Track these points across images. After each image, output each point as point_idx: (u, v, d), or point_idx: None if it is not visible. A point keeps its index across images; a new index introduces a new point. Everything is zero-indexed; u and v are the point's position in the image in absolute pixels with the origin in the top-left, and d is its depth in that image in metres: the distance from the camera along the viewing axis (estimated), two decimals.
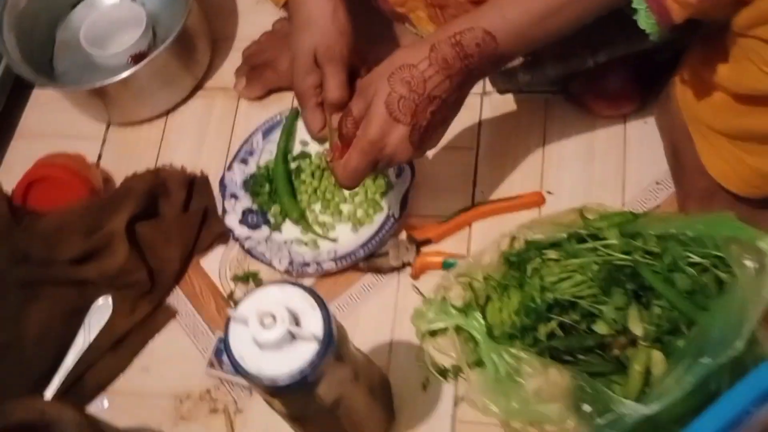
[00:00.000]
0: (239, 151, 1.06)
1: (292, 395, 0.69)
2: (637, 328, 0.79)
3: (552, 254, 0.84)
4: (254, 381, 0.67)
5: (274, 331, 0.65)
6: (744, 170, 0.80)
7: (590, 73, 0.93)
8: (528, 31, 0.72)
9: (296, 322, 0.66)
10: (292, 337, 0.66)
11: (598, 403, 0.72)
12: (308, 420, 0.77)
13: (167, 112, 1.15)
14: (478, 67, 0.74)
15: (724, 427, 0.73)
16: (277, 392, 0.68)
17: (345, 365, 0.74)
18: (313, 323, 0.67)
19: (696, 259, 0.78)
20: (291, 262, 0.97)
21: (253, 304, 0.67)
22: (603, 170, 0.99)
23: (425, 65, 0.73)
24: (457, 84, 0.75)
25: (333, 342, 0.67)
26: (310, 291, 0.68)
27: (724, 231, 0.73)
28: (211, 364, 0.96)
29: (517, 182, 1.00)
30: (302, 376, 0.65)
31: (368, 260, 0.98)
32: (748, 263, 0.72)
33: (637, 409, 0.70)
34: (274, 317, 0.65)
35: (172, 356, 0.99)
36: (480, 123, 1.05)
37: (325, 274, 0.98)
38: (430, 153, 0.97)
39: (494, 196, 1.00)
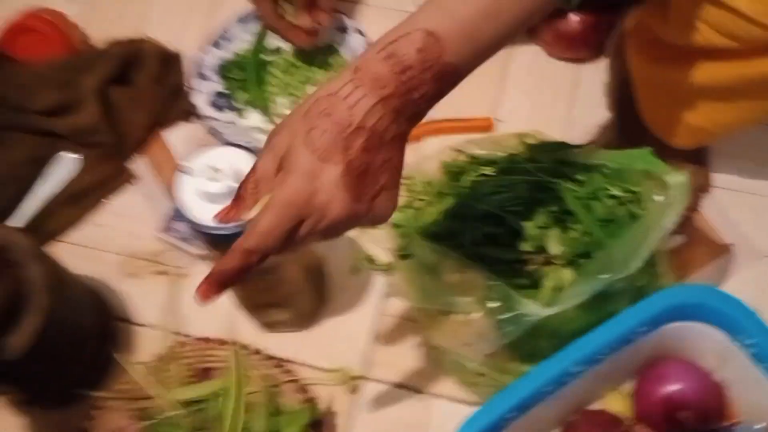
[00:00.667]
0: (216, 35, 1.10)
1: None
2: (554, 248, 0.86)
3: (488, 170, 0.90)
4: (197, 229, 0.73)
5: (219, 185, 0.71)
6: (673, 121, 0.86)
7: (553, 15, 0.98)
8: (477, 29, 0.58)
9: (240, 180, 0.73)
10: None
11: (505, 302, 0.79)
12: (245, 279, 0.83)
13: None
14: (420, 84, 0.57)
15: (613, 341, 0.81)
16: (216, 242, 0.75)
17: None
18: None
19: (615, 192, 0.85)
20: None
21: (203, 159, 0.73)
22: (552, 107, 1.05)
23: (348, 90, 0.56)
24: (395, 109, 0.56)
25: None
26: (255, 154, 0.74)
27: (640, 163, 0.80)
28: (163, 229, 1.02)
29: (472, 106, 1.06)
30: (240, 229, 0.72)
31: None
32: (658, 198, 0.79)
33: (536, 309, 0.77)
34: (220, 171, 0.72)
35: (126, 217, 1.04)
36: None
37: None
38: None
39: (448, 116, 1.06)
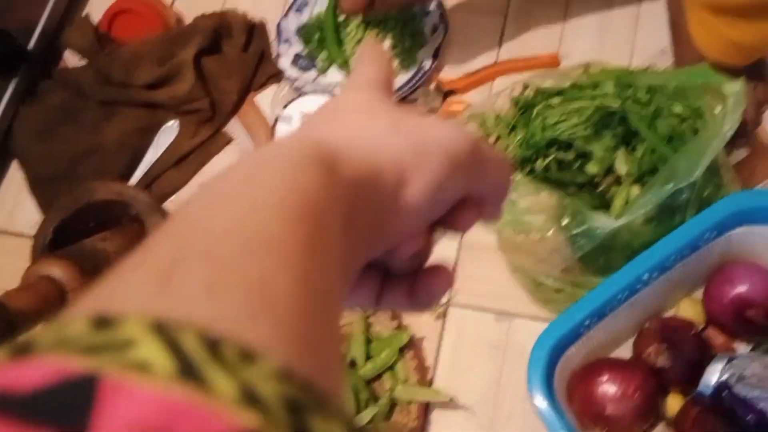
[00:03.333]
0: (295, 1, 1.19)
1: None
2: (622, 167, 0.92)
3: (555, 101, 0.96)
4: None
5: None
6: (722, 41, 0.90)
7: None
8: None
9: None
10: None
11: (576, 217, 0.86)
12: None
13: None
14: None
15: (682, 248, 0.87)
16: None
17: None
18: None
19: (677, 109, 0.90)
20: None
21: (298, 106, 0.82)
22: (615, 39, 1.10)
23: None
24: None
25: None
26: None
27: (699, 79, 0.85)
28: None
29: (538, 45, 1.12)
30: None
31: (400, 104, 1.12)
32: (717, 110, 0.84)
33: (606, 222, 0.84)
34: None
35: None
36: None
37: None
38: (464, 15, 1.09)
39: (516, 56, 1.12)
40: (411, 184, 0.32)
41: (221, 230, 0.24)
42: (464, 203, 0.36)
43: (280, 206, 0.25)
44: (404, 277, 0.37)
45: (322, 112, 0.36)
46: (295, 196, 0.26)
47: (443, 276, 0.38)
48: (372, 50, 0.40)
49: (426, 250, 0.37)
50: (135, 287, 0.22)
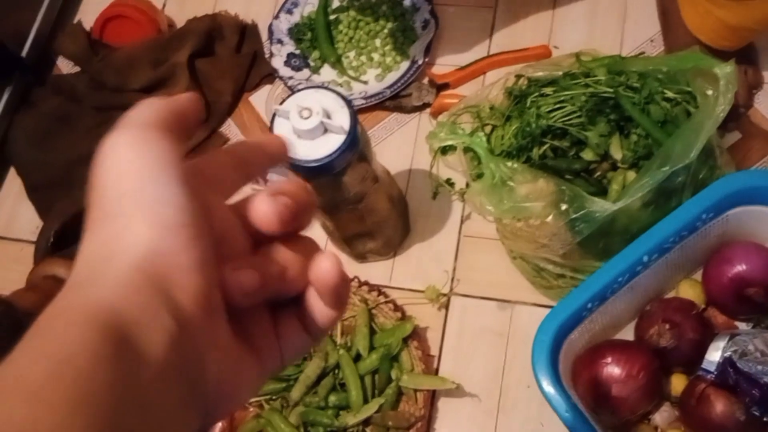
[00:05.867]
0: (285, 1, 1.20)
1: (323, 179, 0.85)
2: (617, 153, 0.93)
3: (548, 90, 0.97)
4: (292, 163, 0.83)
5: (310, 121, 0.81)
6: (714, 23, 0.92)
7: None
8: None
9: (328, 117, 0.82)
10: (324, 130, 0.82)
11: (575, 202, 0.87)
12: (337, 210, 0.93)
13: None
14: None
15: (680, 229, 0.88)
16: (311, 175, 0.84)
17: (367, 166, 0.90)
18: (341, 119, 0.82)
19: (669, 94, 0.91)
20: None
21: (294, 101, 0.83)
22: (604, 29, 1.11)
23: None
24: None
25: (357, 137, 0.83)
26: (340, 94, 0.83)
27: (690, 62, 0.86)
28: (256, 181, 1.12)
29: (528, 38, 1.13)
30: (331, 159, 0.81)
31: (394, 100, 1.13)
32: (709, 92, 0.85)
33: (604, 205, 0.85)
34: (310, 110, 0.81)
35: None
36: None
37: (357, 111, 1.13)
38: (454, 9, 1.10)
39: (507, 48, 1.13)
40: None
41: None
42: None
43: None
44: (289, 309, 0.34)
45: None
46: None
47: (325, 290, 0.32)
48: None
49: (267, 276, 0.32)
50: None
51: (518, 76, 1.00)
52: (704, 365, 0.80)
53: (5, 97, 1.16)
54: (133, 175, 0.29)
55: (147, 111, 0.31)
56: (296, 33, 1.18)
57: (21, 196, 1.17)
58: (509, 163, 0.92)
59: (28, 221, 1.15)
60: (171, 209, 0.29)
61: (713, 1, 0.90)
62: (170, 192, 0.29)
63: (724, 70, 0.82)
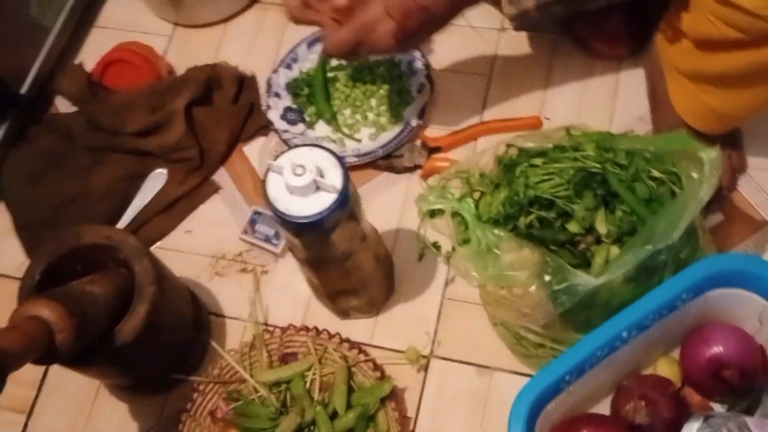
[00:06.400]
0: (285, 57, 1.22)
1: (312, 236, 0.86)
2: (602, 228, 0.94)
3: (538, 161, 0.99)
4: (283, 218, 0.84)
5: (303, 178, 0.82)
6: (701, 108, 0.94)
7: (592, 15, 1.07)
8: None
9: (321, 175, 0.83)
10: (317, 188, 0.83)
11: (558, 274, 0.88)
12: (324, 266, 0.94)
13: (227, 19, 1.31)
14: None
15: (660, 307, 0.89)
16: (300, 231, 0.85)
17: (356, 224, 0.91)
18: (334, 178, 0.84)
19: (655, 173, 0.93)
20: None
21: (288, 157, 0.84)
22: (594, 103, 1.14)
23: None
24: (453, 3, 0.89)
25: (348, 197, 0.84)
26: (334, 153, 0.85)
27: (677, 144, 0.88)
28: (245, 232, 1.13)
29: (520, 107, 1.16)
30: (321, 217, 0.82)
31: (386, 159, 1.14)
32: (694, 175, 0.87)
33: (587, 279, 0.86)
34: (304, 168, 0.82)
35: (212, 223, 1.16)
36: (495, 55, 1.20)
37: (349, 168, 1.14)
38: (449, 75, 1.13)
39: (500, 116, 1.16)
40: None
41: None
42: None
43: None
44: None
45: None
46: None
47: None
48: None
49: None
50: None
51: (509, 145, 1.02)
52: None
53: (1, 132, 1.17)
54: None
55: None
56: (294, 88, 1.20)
57: (8, 232, 1.17)
58: (496, 231, 0.93)
59: (13, 258, 1.15)
60: None
61: (700, 87, 0.93)
62: None
63: (710, 154, 0.84)
